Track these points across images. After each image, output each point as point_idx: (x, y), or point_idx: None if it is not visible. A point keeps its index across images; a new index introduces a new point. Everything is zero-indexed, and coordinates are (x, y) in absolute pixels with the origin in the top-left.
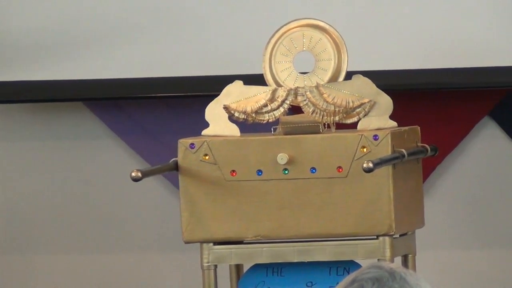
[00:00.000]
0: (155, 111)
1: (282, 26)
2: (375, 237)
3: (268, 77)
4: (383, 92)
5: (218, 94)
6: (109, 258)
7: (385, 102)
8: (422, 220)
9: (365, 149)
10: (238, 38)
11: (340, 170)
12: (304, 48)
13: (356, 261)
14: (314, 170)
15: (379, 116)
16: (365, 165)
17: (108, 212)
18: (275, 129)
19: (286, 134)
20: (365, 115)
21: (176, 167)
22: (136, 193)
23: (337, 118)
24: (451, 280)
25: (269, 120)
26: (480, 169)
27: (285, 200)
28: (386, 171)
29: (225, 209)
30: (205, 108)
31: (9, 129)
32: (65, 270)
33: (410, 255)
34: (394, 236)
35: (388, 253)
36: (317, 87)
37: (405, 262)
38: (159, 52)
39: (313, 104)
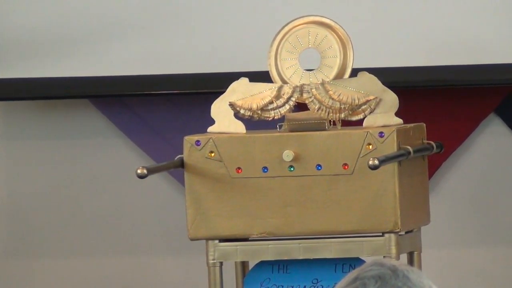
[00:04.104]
0: (160, 108)
1: (287, 23)
2: (381, 234)
3: (274, 74)
4: (388, 89)
5: (224, 91)
6: (114, 256)
7: (391, 99)
8: (427, 217)
9: (370, 146)
10: (243, 35)
11: (346, 167)
12: (309, 45)
13: (362, 258)
14: (319, 167)
15: (385, 113)
16: (370, 162)
17: (113, 209)
18: (280, 126)
19: (291, 131)
20: (370, 112)
21: (181, 164)
22: (142, 190)
23: (342, 115)
24: (457, 277)
25: (275, 117)
26: (486, 166)
27: (291, 197)
28: (391, 168)
29: (231, 206)
30: (211, 105)
31: (13, 127)
32: (70, 267)
33: (415, 252)
34: (399, 233)
35: (393, 250)
36: (322, 84)
37: (410, 259)
38: (165, 49)
39: (319, 101)
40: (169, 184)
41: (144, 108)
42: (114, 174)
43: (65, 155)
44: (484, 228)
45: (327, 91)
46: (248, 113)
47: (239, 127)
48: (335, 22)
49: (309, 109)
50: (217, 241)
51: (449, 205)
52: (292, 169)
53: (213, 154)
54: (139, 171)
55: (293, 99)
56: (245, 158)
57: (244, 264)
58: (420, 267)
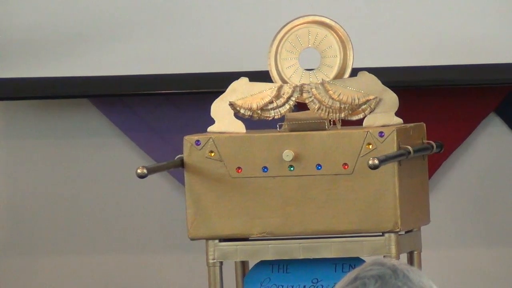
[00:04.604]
0: (160, 108)
1: (287, 23)
2: (381, 234)
3: (274, 74)
4: (388, 89)
5: (224, 91)
6: (114, 256)
7: (391, 98)
8: (427, 216)
9: (370, 146)
10: (244, 35)
11: (346, 166)
12: (309, 45)
13: (362, 258)
14: (319, 167)
15: (385, 112)
16: (370, 162)
17: (113, 209)
18: (280, 126)
19: (291, 131)
20: (370, 112)
21: (181, 163)
22: (142, 190)
23: (342, 115)
24: (457, 277)
25: (275, 117)
26: (486, 165)
27: (291, 197)
28: (391, 168)
29: (231, 206)
30: (211, 105)
31: (13, 127)
32: (71, 266)
33: (415, 252)
34: (399, 233)
35: (393, 250)
36: (322, 83)
37: (410, 259)
38: (165, 49)
39: (319, 101)
40: (169, 184)
41: (144, 108)
42: (114, 174)
43: (65, 154)
44: (484, 227)
45: (327, 91)
46: (248, 113)
47: (239, 127)
48: (335, 22)
49: (309, 109)
50: (217, 241)
51: (449, 205)
52: (292, 168)
53: (213, 154)
54: (139, 171)
55: (293, 98)
56: (245, 158)
57: (244, 264)
58: (420, 266)
